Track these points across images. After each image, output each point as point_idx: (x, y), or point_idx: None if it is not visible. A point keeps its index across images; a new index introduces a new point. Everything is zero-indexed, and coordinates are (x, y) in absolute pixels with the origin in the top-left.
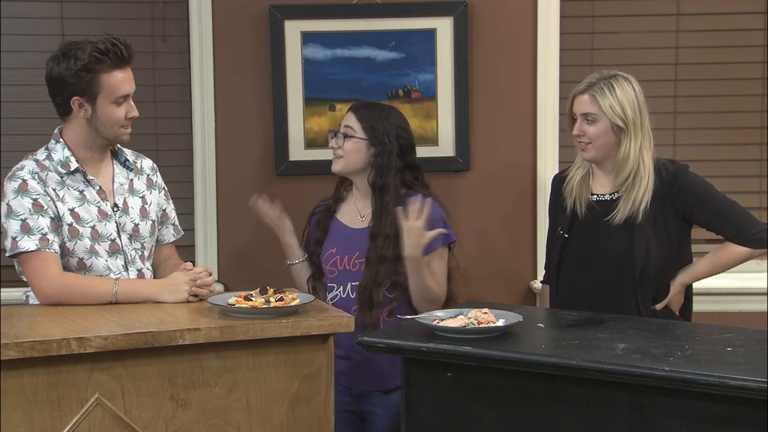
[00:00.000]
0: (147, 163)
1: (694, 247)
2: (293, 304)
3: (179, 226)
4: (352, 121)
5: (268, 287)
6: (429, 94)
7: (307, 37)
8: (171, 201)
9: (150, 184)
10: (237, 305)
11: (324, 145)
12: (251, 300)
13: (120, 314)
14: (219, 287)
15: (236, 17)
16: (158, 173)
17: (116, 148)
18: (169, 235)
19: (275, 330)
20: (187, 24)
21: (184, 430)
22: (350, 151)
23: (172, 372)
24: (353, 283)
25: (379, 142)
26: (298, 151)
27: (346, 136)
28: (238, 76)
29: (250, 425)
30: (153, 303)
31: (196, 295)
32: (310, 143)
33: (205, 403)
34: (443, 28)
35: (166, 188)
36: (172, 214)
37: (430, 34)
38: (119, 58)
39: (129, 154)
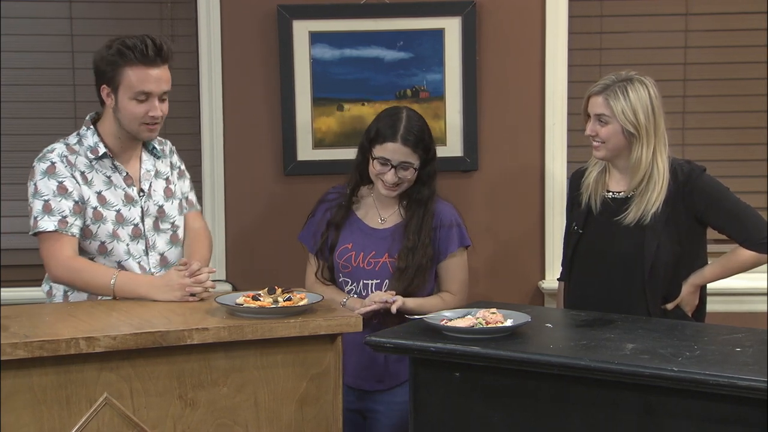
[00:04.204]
0: (168, 146)
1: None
2: (301, 304)
3: (191, 201)
4: (409, 156)
5: (276, 287)
6: (437, 94)
7: (316, 37)
8: (184, 179)
9: (171, 166)
10: (245, 305)
11: (332, 145)
12: (259, 300)
13: (128, 314)
14: (227, 287)
15: (244, 17)
16: (175, 154)
17: None
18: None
19: (283, 330)
20: (195, 24)
21: (193, 430)
22: (409, 179)
23: (180, 371)
24: (365, 281)
25: (429, 159)
26: (306, 151)
27: (403, 168)
28: (247, 76)
29: (258, 425)
30: (151, 300)
31: (194, 294)
32: (319, 143)
33: (214, 402)
34: (451, 27)
35: (180, 167)
36: (179, 191)
37: (438, 34)
38: (143, 55)
39: (156, 142)
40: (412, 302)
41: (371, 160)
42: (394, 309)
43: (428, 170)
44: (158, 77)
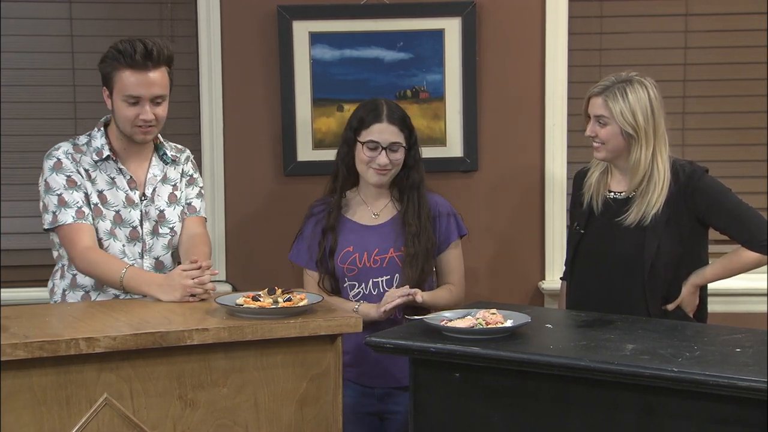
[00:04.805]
0: (185, 154)
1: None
2: (301, 304)
3: (194, 207)
4: (397, 135)
5: (276, 287)
6: (437, 94)
7: (316, 38)
8: (194, 187)
9: (182, 174)
10: (245, 305)
11: (332, 145)
12: (259, 300)
13: (129, 314)
14: (227, 288)
15: (244, 18)
16: (190, 162)
17: (159, 142)
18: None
19: (283, 330)
20: (195, 25)
21: (193, 430)
22: (399, 162)
23: (180, 372)
24: (375, 279)
25: (413, 143)
26: (306, 152)
27: (393, 150)
28: (247, 77)
29: (258, 425)
30: (153, 298)
31: (194, 295)
32: (319, 144)
33: (214, 403)
34: (451, 28)
35: (192, 175)
36: (183, 198)
37: (438, 35)
38: (132, 59)
39: (170, 148)
40: (426, 295)
41: (360, 149)
42: (419, 298)
43: (413, 154)
44: (149, 81)
